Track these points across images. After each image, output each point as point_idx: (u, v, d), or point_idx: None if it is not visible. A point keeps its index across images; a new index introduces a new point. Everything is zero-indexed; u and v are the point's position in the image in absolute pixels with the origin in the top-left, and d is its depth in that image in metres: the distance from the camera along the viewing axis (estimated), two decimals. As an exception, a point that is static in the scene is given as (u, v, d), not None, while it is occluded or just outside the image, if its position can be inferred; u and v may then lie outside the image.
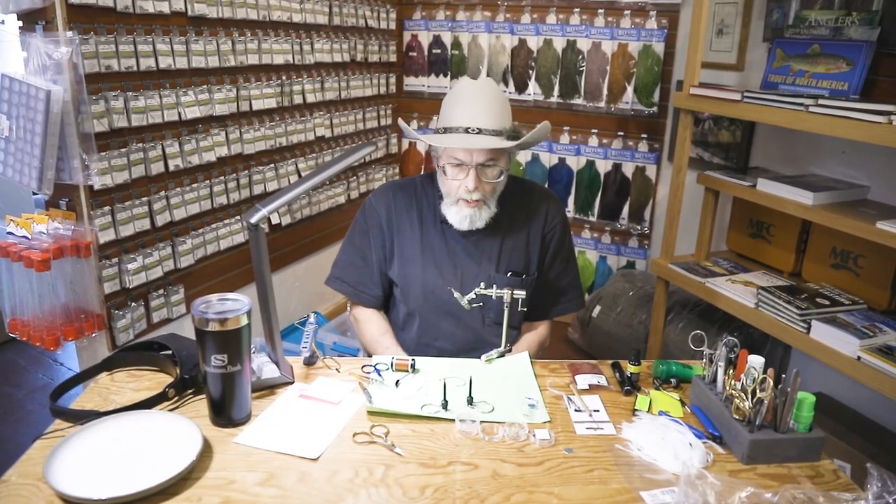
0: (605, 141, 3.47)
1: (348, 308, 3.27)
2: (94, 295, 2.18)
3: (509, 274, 1.73)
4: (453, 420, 1.29)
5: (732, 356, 1.33)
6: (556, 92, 3.51)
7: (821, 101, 2.02)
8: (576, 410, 1.36)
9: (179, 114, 2.41)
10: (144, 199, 2.33)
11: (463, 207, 1.63)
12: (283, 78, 2.95)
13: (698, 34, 2.42)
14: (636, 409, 1.36)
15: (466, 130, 1.56)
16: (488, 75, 3.66)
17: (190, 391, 1.36)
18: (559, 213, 1.80)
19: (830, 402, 2.47)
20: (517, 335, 1.80)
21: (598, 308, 3.24)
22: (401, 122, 1.79)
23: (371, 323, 1.79)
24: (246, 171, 2.81)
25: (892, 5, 2.20)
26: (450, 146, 1.58)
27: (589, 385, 1.45)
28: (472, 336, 1.74)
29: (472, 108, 1.58)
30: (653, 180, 3.39)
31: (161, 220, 2.40)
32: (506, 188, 1.76)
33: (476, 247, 1.73)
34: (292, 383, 1.42)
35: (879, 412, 2.36)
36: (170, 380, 1.39)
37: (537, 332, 1.82)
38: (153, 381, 1.42)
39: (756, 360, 1.26)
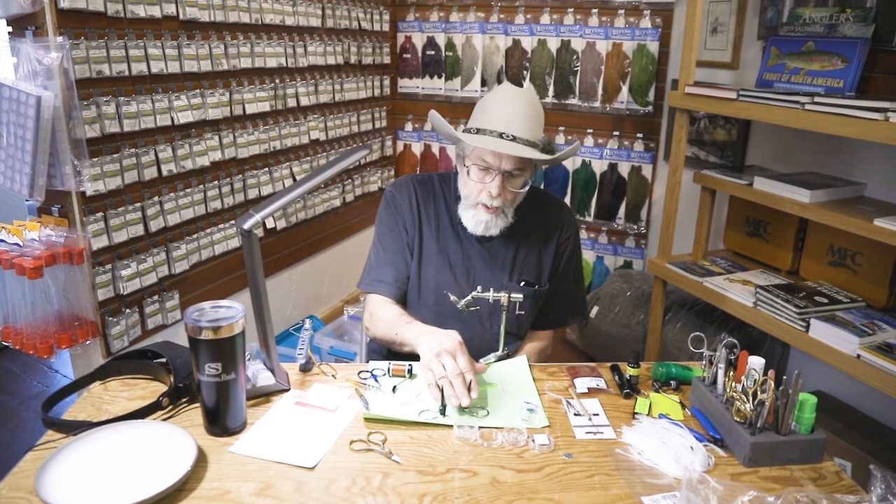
0: (600, 141, 3.47)
1: (345, 313, 3.25)
2: (87, 302, 2.17)
3: (522, 283, 1.71)
4: (451, 426, 1.28)
5: (732, 357, 1.32)
6: (550, 92, 3.50)
7: (816, 99, 2.01)
8: (575, 414, 1.34)
9: (172, 118, 2.39)
10: (138, 204, 2.31)
11: (481, 212, 1.60)
12: (277, 81, 2.93)
13: (693, 33, 2.41)
14: (636, 413, 1.35)
15: (501, 135, 1.52)
16: (483, 76, 3.65)
17: (184, 400, 1.34)
18: (573, 226, 1.79)
19: (830, 400, 2.47)
20: (520, 345, 1.78)
21: (595, 308, 3.23)
22: (433, 113, 1.70)
23: (391, 306, 1.69)
24: (240, 176, 2.80)
25: (886, 1, 2.20)
26: (486, 147, 1.53)
27: (588, 388, 1.44)
28: (479, 342, 1.70)
29: (510, 114, 1.54)
30: (649, 180, 3.38)
31: (155, 225, 2.39)
32: (523, 198, 1.72)
33: (490, 254, 1.71)
34: (288, 390, 1.41)
35: (879, 409, 2.35)
36: (164, 388, 1.37)
37: (538, 342, 1.80)
38: (147, 389, 1.40)
39: (756, 362, 1.24)
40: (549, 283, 1.76)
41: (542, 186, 3.63)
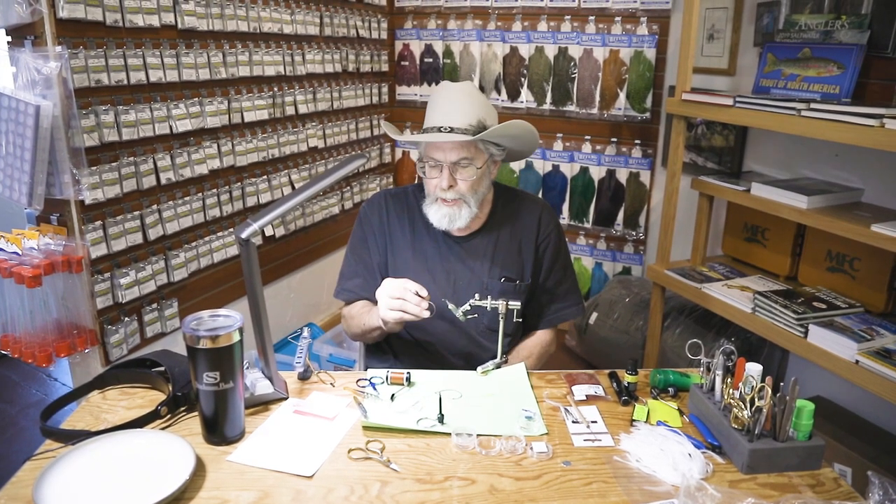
0: (598, 147, 3.47)
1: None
2: (86, 310, 2.17)
3: (503, 279, 1.72)
4: (449, 434, 1.28)
5: (730, 364, 1.32)
6: (548, 99, 3.51)
7: (812, 105, 2.02)
8: (573, 422, 1.34)
9: (171, 127, 2.39)
10: (136, 213, 2.32)
11: (441, 206, 1.66)
12: (275, 89, 2.94)
13: (689, 40, 2.42)
14: (634, 420, 1.35)
15: (439, 129, 1.61)
16: (480, 83, 3.66)
17: (182, 409, 1.34)
18: (552, 221, 1.80)
19: (829, 405, 2.47)
20: (510, 343, 1.79)
21: (594, 315, 3.23)
22: (384, 123, 1.83)
23: (358, 305, 1.79)
24: (238, 184, 2.80)
25: (880, 8, 2.21)
26: (422, 140, 1.62)
27: (586, 396, 1.44)
28: (466, 341, 1.74)
29: (446, 109, 1.62)
30: (647, 186, 3.39)
31: (153, 233, 2.39)
32: (498, 197, 1.79)
33: (468, 253, 1.74)
34: (286, 399, 1.41)
35: (879, 414, 2.35)
36: (162, 397, 1.37)
37: (538, 337, 1.82)
38: (145, 398, 1.40)
39: (754, 368, 1.25)
40: (533, 279, 1.78)
41: (540, 193, 3.64)
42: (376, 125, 3.80)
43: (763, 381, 1.21)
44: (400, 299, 1.49)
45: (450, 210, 1.64)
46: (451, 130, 1.59)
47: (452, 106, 1.62)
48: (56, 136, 1.98)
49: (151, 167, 2.35)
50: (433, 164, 1.65)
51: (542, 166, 3.62)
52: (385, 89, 3.85)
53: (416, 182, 1.91)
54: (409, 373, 1.48)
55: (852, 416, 2.41)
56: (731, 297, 2.35)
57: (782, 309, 2.14)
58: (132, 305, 2.35)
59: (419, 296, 1.48)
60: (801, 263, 2.45)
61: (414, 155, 4.03)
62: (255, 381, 1.40)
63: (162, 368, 1.42)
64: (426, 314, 1.48)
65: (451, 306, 1.59)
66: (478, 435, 1.27)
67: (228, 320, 1.23)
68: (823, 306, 2.13)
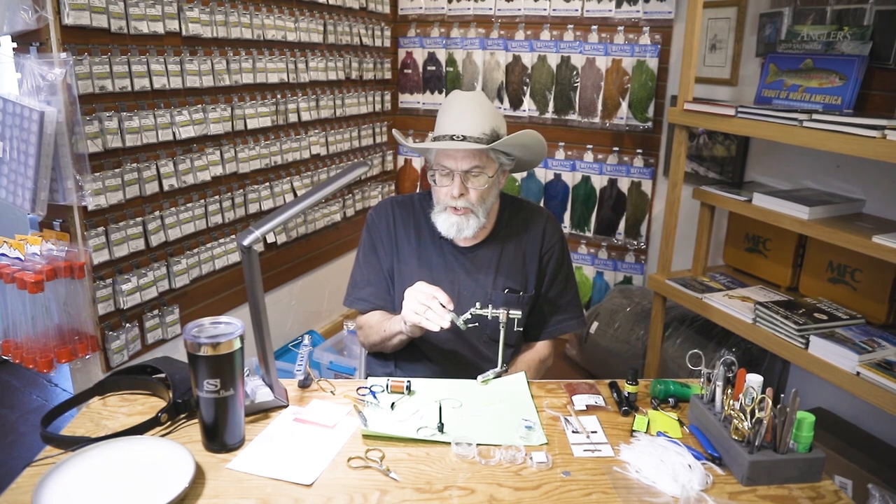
0: (600, 156, 3.48)
1: (345, 328, 3.25)
2: (87, 316, 2.17)
3: (506, 291, 1.73)
4: (449, 443, 1.28)
5: (730, 375, 1.32)
6: (550, 108, 3.52)
7: (814, 116, 2.03)
8: (573, 432, 1.34)
9: (174, 133, 2.40)
10: (139, 219, 2.32)
11: (451, 215, 1.66)
12: (278, 96, 2.95)
13: (691, 49, 2.43)
14: (634, 430, 1.34)
15: (451, 138, 1.61)
16: (483, 91, 3.67)
17: (183, 416, 1.34)
18: (557, 233, 1.81)
19: (830, 417, 2.46)
20: (513, 353, 1.79)
21: (595, 324, 3.23)
22: (395, 132, 1.83)
23: (376, 314, 1.79)
24: (241, 190, 2.81)
25: (883, 20, 2.22)
26: (435, 148, 1.63)
27: (586, 406, 1.44)
28: (469, 351, 1.74)
29: (459, 117, 1.62)
30: (649, 195, 3.39)
31: (156, 240, 2.39)
32: (503, 206, 1.78)
33: (473, 263, 1.75)
34: (286, 406, 1.41)
35: (880, 427, 2.35)
36: (163, 404, 1.38)
37: (536, 351, 1.82)
38: (146, 405, 1.40)
39: (754, 380, 1.24)
40: (536, 290, 1.78)
41: (541, 201, 3.64)
42: (379, 133, 3.81)
43: (764, 392, 1.21)
44: (425, 306, 1.48)
45: (458, 219, 1.65)
46: (464, 139, 1.59)
47: (465, 114, 1.62)
48: (60, 142, 1.99)
49: (154, 173, 2.36)
50: (444, 173, 1.65)
51: (543, 175, 3.63)
52: (388, 97, 3.87)
53: (418, 190, 1.92)
54: (409, 381, 1.48)
55: (853, 428, 2.40)
56: (732, 307, 2.35)
57: (783, 320, 2.14)
58: (133, 312, 2.35)
59: (443, 307, 1.48)
60: (802, 274, 2.45)
61: (416, 163, 4.03)
62: (256, 389, 1.40)
63: (162, 375, 1.42)
64: (446, 324, 1.47)
65: (451, 315, 1.59)
66: (477, 444, 1.27)
67: (230, 328, 1.23)
68: (824, 317, 2.12)
